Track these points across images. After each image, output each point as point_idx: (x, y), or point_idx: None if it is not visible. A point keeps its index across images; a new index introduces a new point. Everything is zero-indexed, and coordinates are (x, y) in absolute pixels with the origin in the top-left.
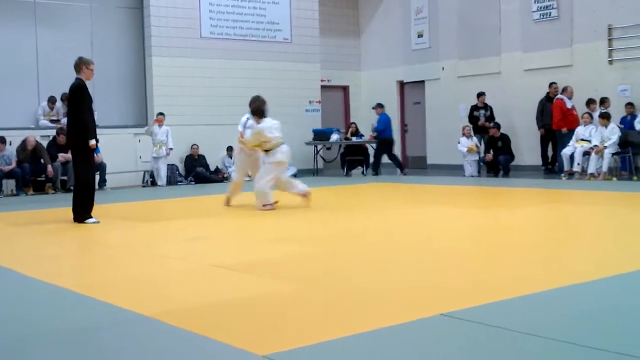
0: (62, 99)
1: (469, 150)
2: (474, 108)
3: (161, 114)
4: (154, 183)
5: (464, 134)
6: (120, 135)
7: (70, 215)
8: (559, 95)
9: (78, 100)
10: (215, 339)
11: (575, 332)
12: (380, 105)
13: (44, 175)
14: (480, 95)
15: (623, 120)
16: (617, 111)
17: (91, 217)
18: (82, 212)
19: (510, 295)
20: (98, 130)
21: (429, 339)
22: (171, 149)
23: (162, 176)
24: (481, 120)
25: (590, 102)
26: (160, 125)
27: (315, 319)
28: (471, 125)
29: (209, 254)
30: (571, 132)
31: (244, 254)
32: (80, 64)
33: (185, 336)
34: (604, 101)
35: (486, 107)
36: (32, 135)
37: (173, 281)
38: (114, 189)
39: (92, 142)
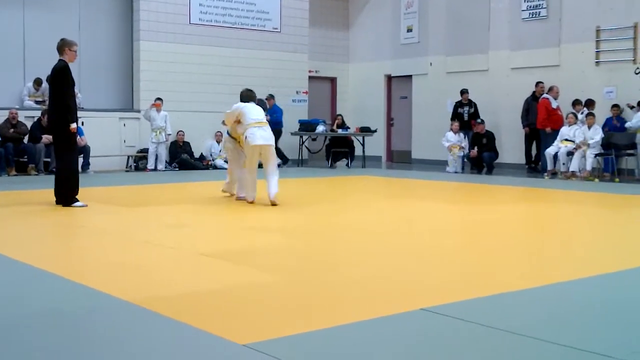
0: (47, 81)
1: (452, 147)
2: (458, 105)
3: (159, 99)
4: (138, 168)
5: (451, 129)
6: (105, 118)
7: (53, 197)
8: (545, 95)
9: (61, 83)
10: (197, 327)
11: (554, 331)
12: (272, 97)
13: (26, 157)
14: (464, 92)
15: (608, 122)
16: (602, 113)
17: (77, 201)
18: (68, 196)
19: (491, 292)
20: (83, 113)
21: (409, 333)
22: (169, 134)
23: (162, 161)
24: (465, 117)
25: (576, 102)
26: (158, 110)
27: (296, 309)
28: (458, 122)
29: (192, 241)
30: (555, 131)
31: (226, 243)
32: (64, 46)
33: (166, 323)
34: (590, 103)
35: (470, 103)
36: (14, 111)
37: (155, 268)
38: (98, 173)
39: (73, 125)
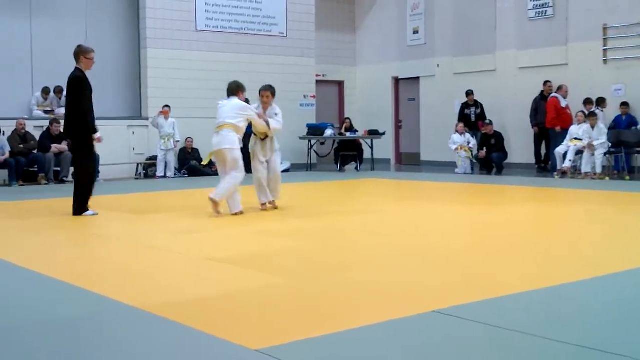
0: (55, 92)
1: (459, 148)
2: (465, 106)
3: (167, 106)
4: (147, 175)
5: (457, 131)
6: (113, 126)
7: (65, 206)
8: (554, 94)
9: (78, 91)
10: (208, 332)
11: (567, 331)
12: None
13: (36, 166)
14: (469, 93)
15: (618, 119)
16: (611, 111)
17: (88, 210)
18: (79, 205)
19: (502, 294)
20: None
21: (423, 336)
22: (178, 141)
23: (171, 168)
24: (472, 118)
25: (587, 101)
26: (166, 118)
27: (307, 313)
28: (462, 123)
29: (201, 247)
30: (565, 131)
31: (235, 248)
32: (79, 53)
33: (177, 329)
34: (601, 101)
35: (476, 104)
36: (21, 121)
37: (166, 274)
38: (107, 181)
39: (97, 135)
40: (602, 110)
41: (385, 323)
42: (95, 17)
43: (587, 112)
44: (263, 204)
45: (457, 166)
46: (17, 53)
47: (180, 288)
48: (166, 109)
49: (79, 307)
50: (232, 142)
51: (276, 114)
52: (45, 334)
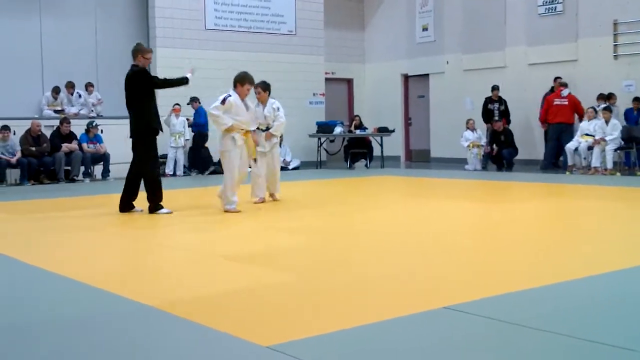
0: (66, 87)
1: (472, 145)
2: (489, 101)
3: (178, 104)
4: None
5: (468, 128)
6: (124, 125)
7: (69, 204)
8: (564, 90)
9: (138, 87)
10: (219, 329)
11: (579, 326)
12: (196, 100)
13: (42, 168)
14: (495, 88)
15: (629, 114)
16: (622, 107)
17: (162, 207)
18: (153, 203)
19: (512, 289)
20: (102, 121)
21: (434, 332)
22: (187, 139)
23: (180, 166)
24: (495, 114)
25: (600, 97)
26: (177, 116)
27: (319, 310)
28: (474, 119)
29: (211, 244)
30: (552, 125)
31: (247, 245)
32: (138, 52)
33: (188, 327)
34: (610, 97)
35: (500, 100)
36: (37, 122)
37: (176, 271)
38: (118, 179)
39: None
40: (612, 106)
41: (395, 319)
42: (105, 16)
43: (595, 108)
44: (257, 200)
45: (468, 163)
46: (27, 53)
47: (191, 285)
48: (177, 107)
49: (88, 305)
50: (220, 144)
51: (277, 108)
52: (54, 332)
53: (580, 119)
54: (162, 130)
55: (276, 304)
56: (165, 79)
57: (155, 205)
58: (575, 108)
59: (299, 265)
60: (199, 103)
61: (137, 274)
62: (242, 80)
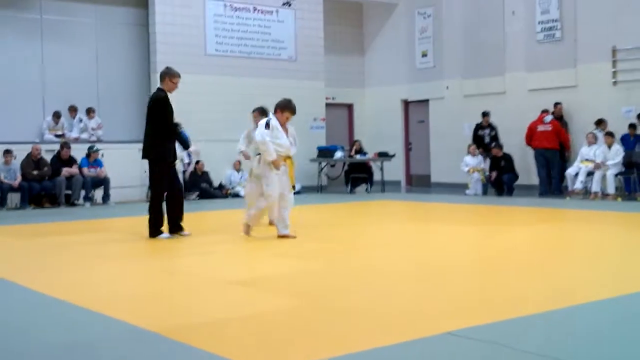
0: (68, 110)
1: (472, 170)
2: (479, 127)
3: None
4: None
5: (469, 152)
6: (124, 150)
7: (73, 228)
8: (548, 116)
9: (158, 113)
10: (221, 355)
11: (580, 352)
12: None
13: (43, 192)
14: (485, 114)
15: (626, 139)
16: (622, 132)
17: (162, 233)
18: (152, 227)
19: (516, 315)
20: (103, 145)
21: (437, 357)
22: (188, 163)
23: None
24: (486, 140)
25: (599, 122)
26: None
27: (319, 335)
28: (475, 145)
29: (214, 269)
30: (539, 151)
31: (249, 270)
32: (165, 75)
33: (190, 352)
34: (600, 122)
35: (491, 126)
36: (37, 146)
37: (179, 296)
38: (119, 204)
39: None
40: (602, 131)
41: (398, 345)
42: (106, 41)
43: (595, 133)
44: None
45: (468, 187)
46: (29, 78)
47: (193, 310)
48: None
49: (90, 330)
50: (258, 167)
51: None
52: (58, 357)
53: (565, 148)
54: (174, 160)
55: (278, 329)
56: (177, 125)
57: (155, 230)
58: (559, 135)
59: (300, 290)
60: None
61: (139, 299)
62: (283, 108)
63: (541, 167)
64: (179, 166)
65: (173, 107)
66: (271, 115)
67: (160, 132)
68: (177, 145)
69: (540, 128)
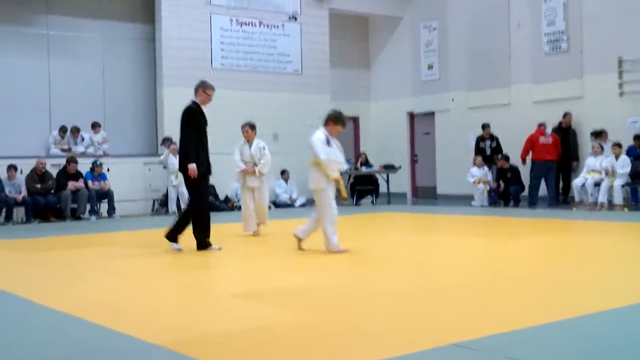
0: (71, 131)
1: (478, 181)
2: (480, 139)
3: (174, 143)
4: (167, 211)
5: (475, 164)
6: (130, 164)
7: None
8: (548, 129)
9: (187, 124)
10: None
11: None
12: (169, 139)
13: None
14: (486, 127)
15: (631, 151)
16: (628, 142)
17: (210, 245)
18: (201, 238)
19: (521, 326)
20: (109, 159)
21: None
22: None
23: (185, 200)
24: (487, 151)
25: (602, 133)
26: (174, 154)
27: (326, 348)
28: (480, 157)
29: (218, 281)
30: (535, 163)
31: (253, 283)
32: (199, 87)
33: None
34: (601, 133)
35: (492, 138)
36: (41, 160)
37: (183, 309)
38: (124, 217)
39: (192, 166)
40: (605, 143)
41: (403, 357)
42: (112, 56)
43: (601, 144)
44: (250, 233)
45: (475, 199)
46: (35, 92)
47: (197, 323)
48: (174, 145)
49: (94, 344)
50: (313, 182)
51: (263, 147)
52: None
53: (558, 160)
54: (208, 172)
55: (283, 343)
56: (198, 143)
57: (202, 242)
58: (556, 147)
59: (306, 303)
60: (172, 143)
61: (143, 312)
62: (336, 120)
63: (537, 178)
64: (181, 179)
65: (207, 119)
66: (322, 128)
67: (192, 143)
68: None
69: (542, 140)
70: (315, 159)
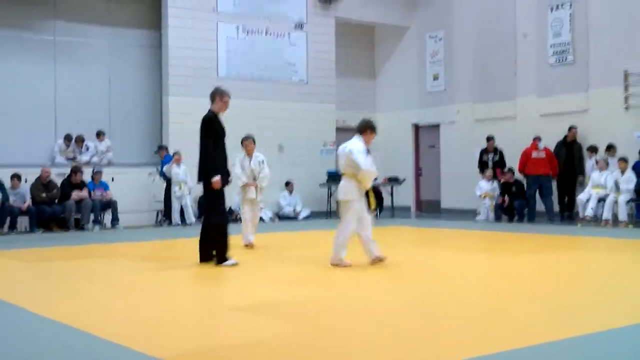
0: (75, 141)
1: (484, 195)
2: (484, 152)
3: (177, 152)
4: (170, 223)
5: (484, 177)
6: (134, 174)
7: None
8: (541, 144)
9: (205, 134)
10: None
11: None
12: (163, 148)
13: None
14: (490, 139)
15: (638, 166)
16: (633, 156)
17: (228, 259)
18: (219, 254)
19: (528, 343)
20: (112, 169)
21: None
22: (191, 187)
23: (189, 213)
24: (490, 164)
25: (609, 147)
26: (178, 165)
27: None
28: (490, 170)
29: (218, 294)
30: (532, 177)
31: (254, 296)
32: (215, 94)
33: None
34: (609, 148)
35: (495, 151)
36: (46, 169)
37: (184, 323)
38: (127, 228)
39: (216, 179)
40: (609, 157)
41: None
42: (119, 64)
43: (606, 159)
44: (248, 243)
45: (479, 213)
46: (41, 100)
47: (198, 337)
48: (177, 155)
49: (96, 358)
50: (344, 193)
51: (262, 161)
52: None
53: (554, 176)
54: (227, 182)
55: (282, 356)
56: (213, 154)
57: (220, 256)
58: (551, 161)
59: (306, 317)
60: (166, 151)
61: (144, 326)
62: (373, 128)
63: (531, 192)
64: (185, 190)
65: (225, 127)
66: (358, 137)
67: (210, 153)
68: (182, 171)
69: (535, 155)
70: (351, 169)
